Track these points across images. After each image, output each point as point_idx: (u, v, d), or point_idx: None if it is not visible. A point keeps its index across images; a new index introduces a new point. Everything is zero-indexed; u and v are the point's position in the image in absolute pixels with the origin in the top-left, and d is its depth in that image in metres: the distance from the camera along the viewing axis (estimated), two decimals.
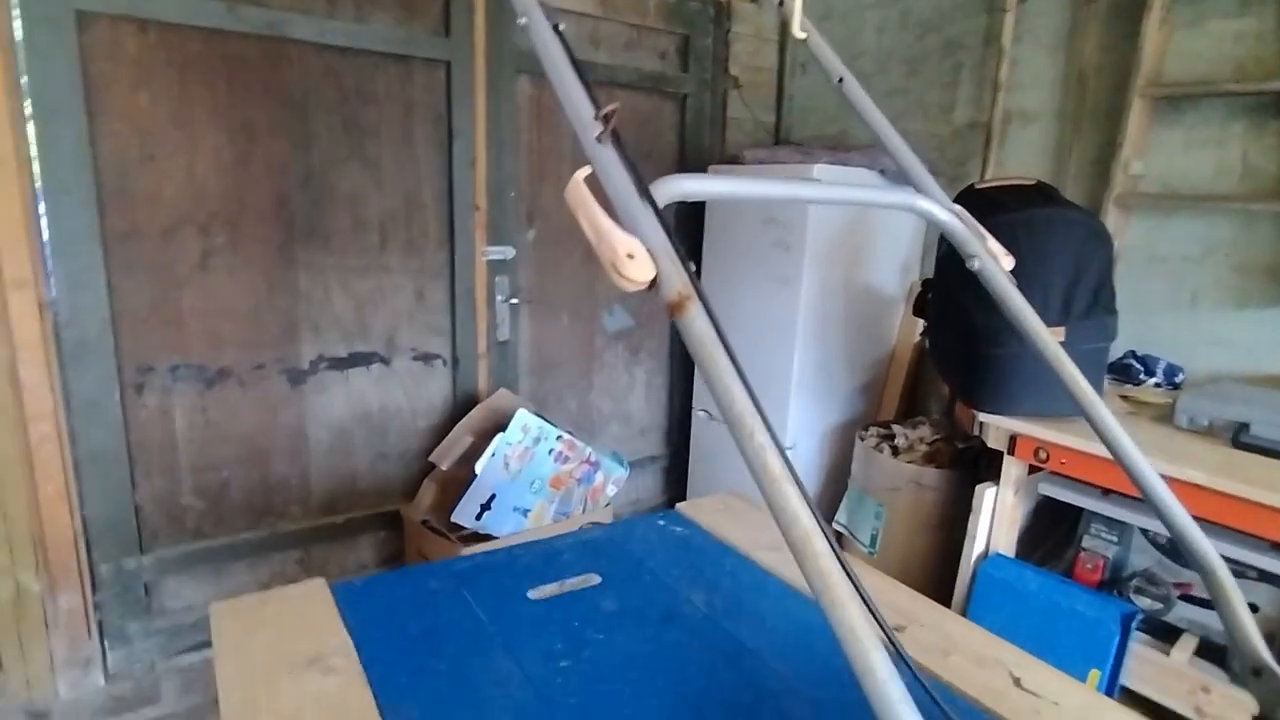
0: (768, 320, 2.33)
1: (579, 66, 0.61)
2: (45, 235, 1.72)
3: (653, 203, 0.56)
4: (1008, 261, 0.78)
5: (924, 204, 0.77)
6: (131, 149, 1.81)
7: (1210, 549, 0.68)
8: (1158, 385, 1.84)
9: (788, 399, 2.30)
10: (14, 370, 1.71)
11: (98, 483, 1.88)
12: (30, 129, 1.67)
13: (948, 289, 1.75)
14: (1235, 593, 0.62)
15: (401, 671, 0.87)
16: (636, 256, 0.52)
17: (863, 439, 2.15)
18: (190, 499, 2.04)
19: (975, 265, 0.77)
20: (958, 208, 0.81)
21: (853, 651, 0.40)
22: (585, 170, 0.56)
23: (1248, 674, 0.60)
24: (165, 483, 1.99)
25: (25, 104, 1.65)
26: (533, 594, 1.05)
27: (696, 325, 0.51)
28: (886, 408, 2.49)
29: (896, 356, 2.50)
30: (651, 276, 0.52)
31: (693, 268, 0.53)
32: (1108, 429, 0.76)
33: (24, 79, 1.64)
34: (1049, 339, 0.82)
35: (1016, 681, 0.91)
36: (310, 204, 2.06)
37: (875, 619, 0.45)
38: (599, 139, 0.58)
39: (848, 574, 0.42)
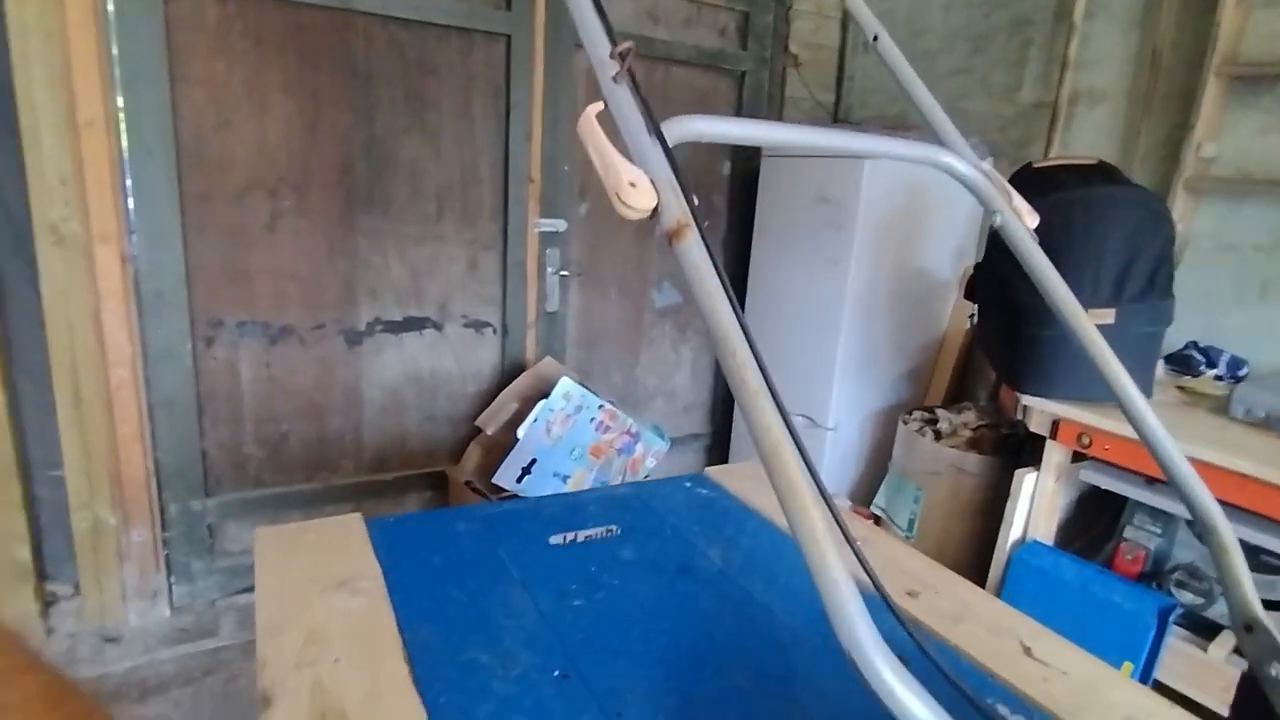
0: (815, 300, 2.32)
1: (600, 2, 0.64)
2: (129, 194, 1.84)
3: (662, 140, 0.58)
4: (1031, 219, 0.77)
5: (947, 158, 0.77)
6: (209, 115, 1.92)
7: (1211, 503, 0.66)
8: (1219, 378, 1.76)
9: (832, 380, 2.29)
10: (98, 318, 1.84)
11: (169, 427, 2.01)
12: (119, 95, 1.79)
13: (995, 267, 1.72)
14: (1234, 546, 0.61)
15: (423, 598, 0.92)
16: (639, 185, 0.54)
17: (906, 423, 2.13)
18: (252, 448, 2.16)
19: (997, 221, 0.77)
20: (985, 165, 0.80)
21: (810, 555, 0.42)
22: (598, 106, 0.58)
23: (1240, 629, 0.59)
24: (230, 431, 2.12)
25: (115, 71, 1.77)
26: (553, 539, 1.09)
27: (693, 251, 0.53)
28: (934, 394, 2.45)
29: (946, 342, 2.45)
30: (653, 205, 0.54)
31: (695, 201, 0.56)
32: (1131, 403, 0.74)
33: (114, 48, 1.76)
34: (1075, 308, 0.80)
35: (1027, 650, 0.90)
36: (371, 172, 2.15)
37: (841, 528, 0.47)
38: (615, 78, 0.60)
39: (816, 483, 0.44)
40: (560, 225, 2.44)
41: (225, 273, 2.02)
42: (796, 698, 0.81)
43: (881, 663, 0.40)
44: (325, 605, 0.88)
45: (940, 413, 2.10)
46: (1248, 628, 0.58)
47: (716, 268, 0.52)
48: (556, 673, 0.80)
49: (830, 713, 0.78)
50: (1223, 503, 0.71)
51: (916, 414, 2.18)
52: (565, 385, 2.14)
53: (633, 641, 0.88)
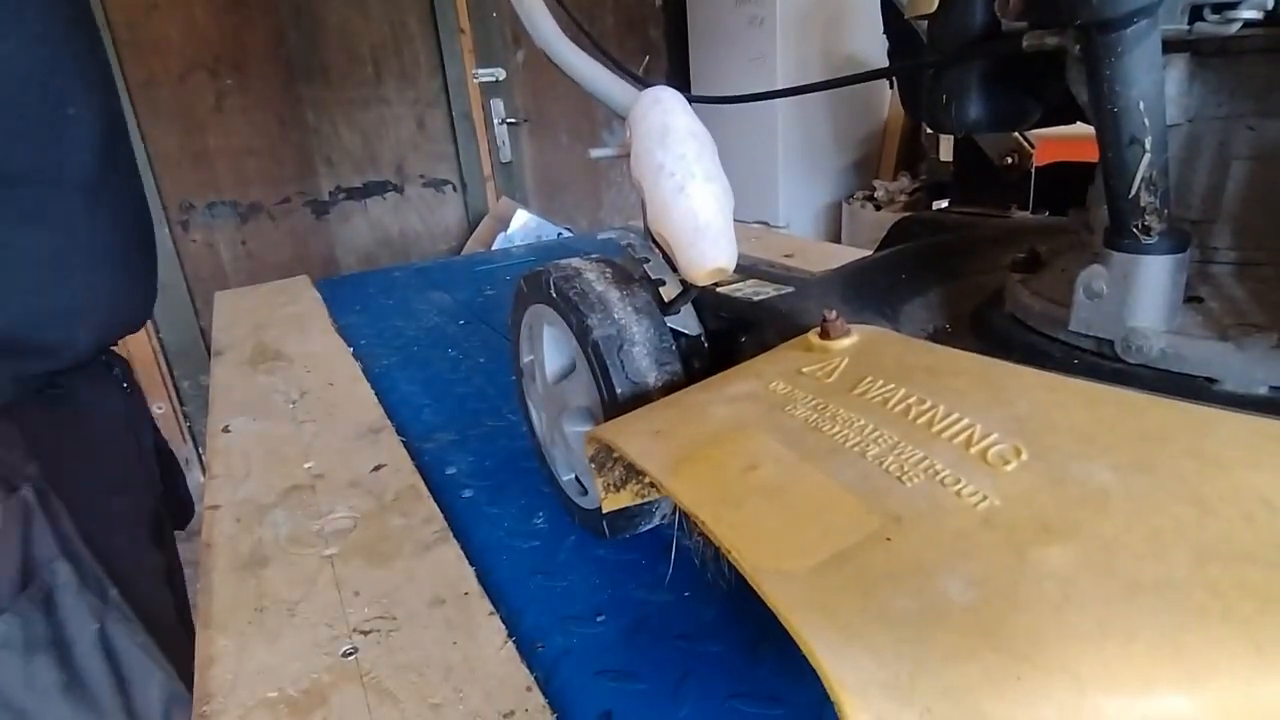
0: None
1: None
2: None
3: None
4: None
5: None
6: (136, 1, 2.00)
7: None
8: None
9: (776, 179, 2.38)
10: None
11: (166, 311, 2.18)
12: None
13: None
14: None
15: (355, 301, 1.06)
16: None
17: (849, 203, 2.22)
18: None
19: None
20: None
21: None
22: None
23: None
24: None
25: None
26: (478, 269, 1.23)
27: None
28: (882, 180, 2.53)
29: (889, 129, 2.51)
30: None
31: None
32: None
33: None
34: None
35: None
36: (304, 41, 2.22)
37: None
38: None
39: None
40: (499, 74, 2.51)
41: (185, 156, 2.14)
42: None
43: None
44: (272, 312, 1.03)
45: (877, 183, 2.18)
46: None
47: None
48: (462, 321, 0.96)
49: None
50: None
51: (859, 194, 2.26)
52: (522, 216, 2.26)
53: None
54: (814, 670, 0.18)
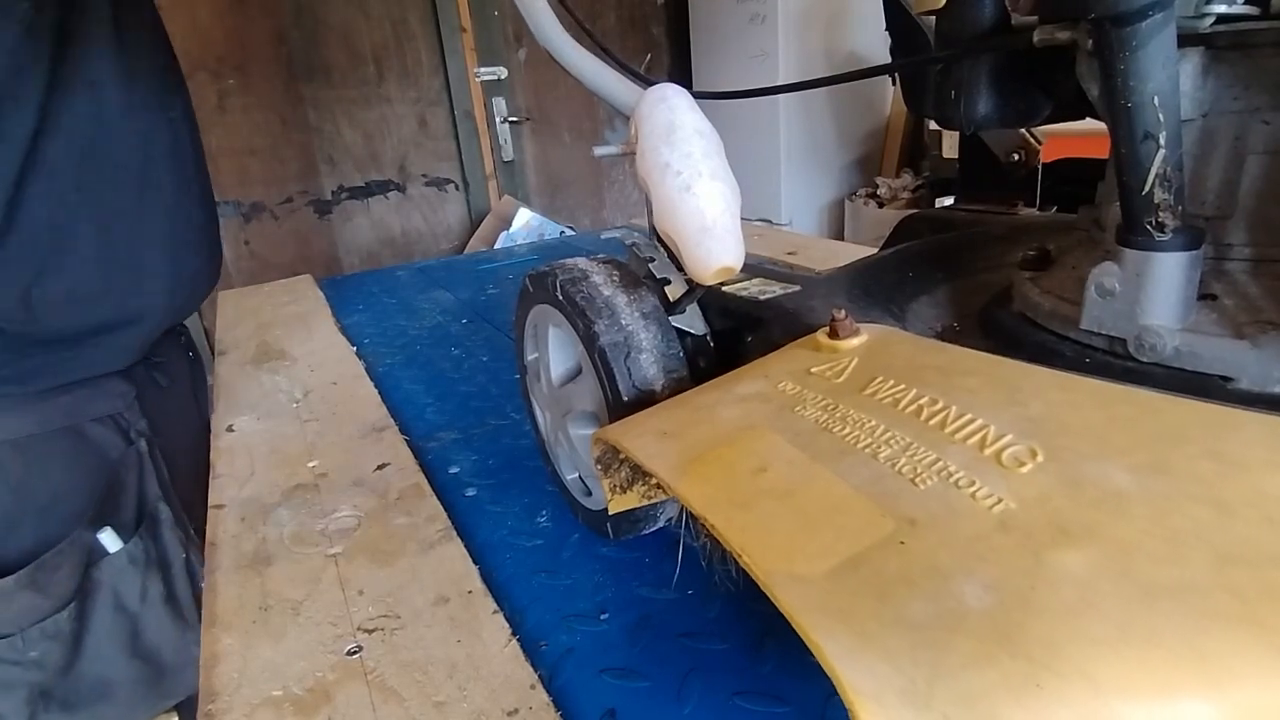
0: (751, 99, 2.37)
1: None
2: None
3: None
4: None
5: None
6: None
7: None
8: None
9: (778, 176, 2.37)
10: None
11: None
12: None
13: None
14: None
15: (357, 300, 1.06)
16: None
17: (852, 201, 2.21)
18: None
19: None
20: None
21: None
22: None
23: None
24: None
25: None
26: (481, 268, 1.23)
27: None
28: (884, 177, 2.52)
29: (891, 126, 2.50)
30: None
31: None
32: None
33: None
34: None
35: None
36: (306, 41, 2.22)
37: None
38: None
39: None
40: (501, 72, 2.51)
41: None
42: None
43: None
44: (275, 312, 1.03)
45: (879, 180, 2.18)
46: None
47: None
48: (465, 320, 0.95)
49: None
50: None
51: (861, 191, 2.26)
52: (524, 215, 2.25)
53: None
54: (819, 669, 0.17)
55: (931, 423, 0.25)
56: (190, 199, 0.71)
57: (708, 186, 0.36)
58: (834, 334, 0.33)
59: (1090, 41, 0.28)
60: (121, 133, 0.62)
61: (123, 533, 0.68)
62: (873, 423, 0.26)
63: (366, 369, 0.78)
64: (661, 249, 0.43)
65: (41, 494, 0.63)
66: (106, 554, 0.67)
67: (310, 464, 0.58)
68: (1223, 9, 0.28)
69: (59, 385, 0.63)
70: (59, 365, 0.63)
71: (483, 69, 2.47)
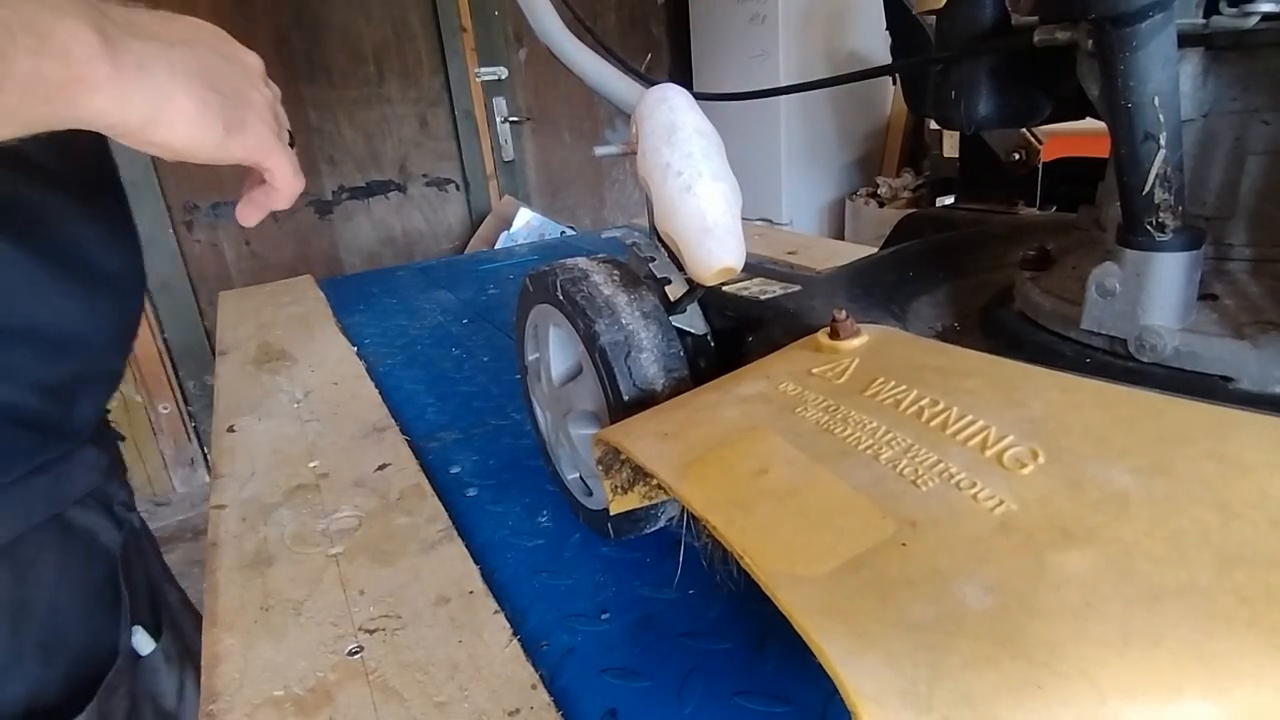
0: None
1: None
2: None
3: None
4: None
5: None
6: None
7: None
8: None
9: (779, 176, 2.37)
10: None
11: (170, 310, 2.18)
12: None
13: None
14: None
15: (358, 301, 1.06)
16: None
17: (853, 200, 2.21)
18: None
19: None
20: None
21: None
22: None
23: None
24: None
25: None
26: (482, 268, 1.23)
27: None
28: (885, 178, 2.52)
29: (891, 126, 2.50)
30: None
31: None
32: None
33: None
34: None
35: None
36: (306, 41, 2.22)
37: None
38: None
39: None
40: (501, 72, 2.50)
41: None
42: None
43: None
44: (276, 312, 1.03)
45: (880, 180, 2.18)
46: None
47: None
48: (465, 320, 0.95)
49: None
50: None
51: (862, 191, 2.26)
52: (525, 215, 2.25)
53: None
54: (820, 669, 0.17)
55: (933, 424, 0.25)
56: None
57: (709, 187, 0.36)
58: (835, 334, 0.33)
59: (1090, 42, 0.28)
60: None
61: (149, 629, 0.58)
62: (874, 424, 0.26)
63: (367, 369, 0.78)
64: (662, 249, 0.43)
65: (39, 608, 0.49)
66: (140, 657, 0.57)
67: (311, 464, 0.58)
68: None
69: (35, 467, 0.50)
70: (32, 443, 0.49)
71: (483, 69, 2.47)
